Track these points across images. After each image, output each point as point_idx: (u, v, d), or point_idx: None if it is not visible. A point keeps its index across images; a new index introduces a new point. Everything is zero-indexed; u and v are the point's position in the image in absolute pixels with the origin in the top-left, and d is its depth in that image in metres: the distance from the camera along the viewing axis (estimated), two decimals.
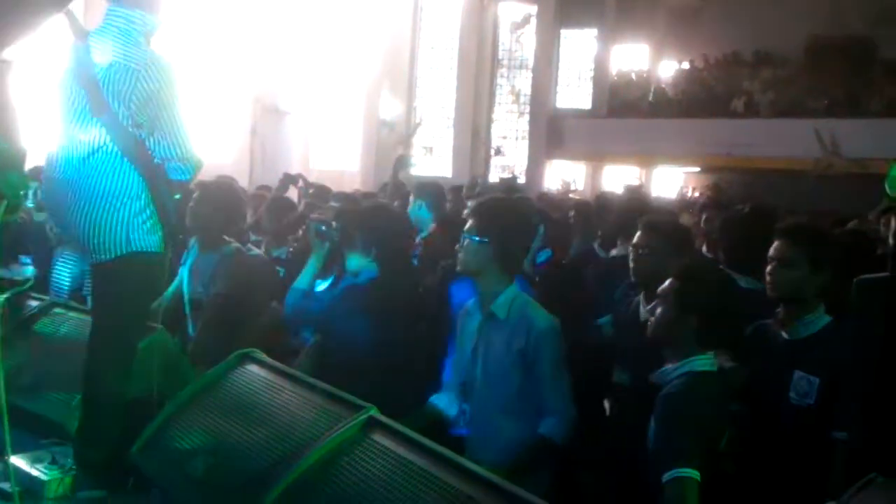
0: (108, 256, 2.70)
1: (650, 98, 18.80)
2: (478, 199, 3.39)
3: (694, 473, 2.25)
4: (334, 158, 16.87)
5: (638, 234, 3.24)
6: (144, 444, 2.73)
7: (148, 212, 2.73)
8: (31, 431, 3.04)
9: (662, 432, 2.41)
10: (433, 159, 17.41)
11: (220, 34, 14.12)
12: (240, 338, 3.67)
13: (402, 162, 7.22)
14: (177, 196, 2.82)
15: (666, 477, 2.27)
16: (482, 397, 2.83)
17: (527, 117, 18.10)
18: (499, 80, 18.43)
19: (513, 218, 2.89)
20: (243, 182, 10.45)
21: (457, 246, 2.96)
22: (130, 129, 2.68)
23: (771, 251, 2.76)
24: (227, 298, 3.97)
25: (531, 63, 18.15)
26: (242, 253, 4.26)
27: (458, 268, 2.87)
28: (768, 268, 2.75)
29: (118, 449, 2.75)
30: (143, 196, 2.72)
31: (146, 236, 2.73)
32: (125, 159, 2.67)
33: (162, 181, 2.75)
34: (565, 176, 17.19)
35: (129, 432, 2.78)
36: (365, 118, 16.89)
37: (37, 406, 3.17)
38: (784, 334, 2.74)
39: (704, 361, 2.47)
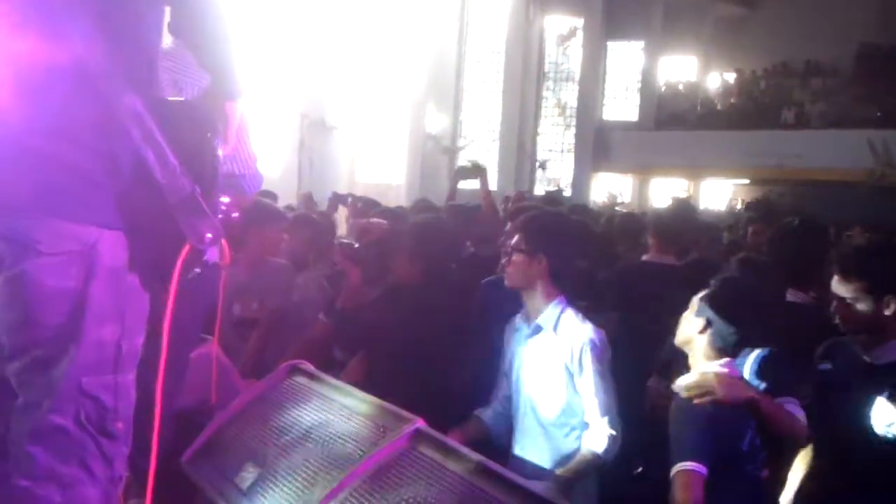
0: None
1: (698, 110, 18.63)
2: (525, 213, 3.39)
3: (699, 468, 2.21)
4: (380, 172, 17.01)
5: None
6: (194, 454, 2.77)
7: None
8: None
9: (673, 429, 2.37)
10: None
11: (269, 50, 14.35)
12: (289, 350, 3.73)
13: (462, 172, 7.21)
14: (234, 214, 2.87)
15: (672, 471, 2.24)
16: (527, 411, 2.83)
17: (573, 130, 18.05)
18: (544, 93, 18.41)
19: (563, 232, 2.90)
20: (290, 196, 10.60)
21: (503, 260, 2.97)
22: None
23: (832, 285, 2.61)
24: (283, 313, 4.05)
25: (577, 75, 18.11)
26: (291, 268, 4.33)
27: (507, 282, 2.87)
28: (833, 305, 2.60)
29: (169, 458, 2.80)
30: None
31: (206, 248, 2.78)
32: None
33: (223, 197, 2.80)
34: (612, 189, 17.08)
35: (180, 442, 2.83)
36: (411, 132, 17.01)
37: None
38: (866, 357, 2.57)
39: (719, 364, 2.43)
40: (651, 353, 3.31)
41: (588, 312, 2.85)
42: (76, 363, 1.55)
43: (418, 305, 3.28)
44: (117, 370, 1.62)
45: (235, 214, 2.98)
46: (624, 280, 4.15)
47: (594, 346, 2.71)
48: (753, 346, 2.56)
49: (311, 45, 15.15)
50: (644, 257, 4.43)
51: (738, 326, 2.38)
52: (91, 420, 1.58)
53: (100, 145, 1.57)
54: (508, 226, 4.12)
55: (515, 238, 2.85)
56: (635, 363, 3.12)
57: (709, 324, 2.40)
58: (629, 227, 5.21)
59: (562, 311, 2.78)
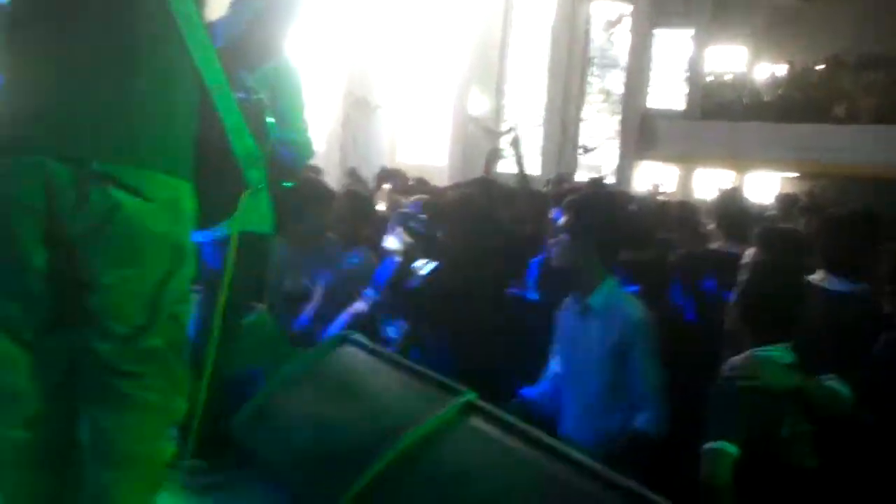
0: (221, 231, 2.80)
1: (745, 100, 18.34)
2: (572, 194, 3.39)
3: (730, 448, 2.20)
4: (422, 153, 17.01)
5: None
6: (247, 419, 2.82)
7: (263, 195, 2.83)
8: None
9: (709, 408, 2.36)
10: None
11: (313, 28, 14.39)
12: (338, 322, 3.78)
13: (494, 155, 7.22)
14: (287, 184, 2.91)
15: (703, 449, 2.24)
16: (576, 390, 2.84)
17: (617, 117, 17.88)
18: (589, 79, 18.24)
19: (608, 211, 2.90)
20: (334, 174, 10.66)
21: (550, 241, 2.97)
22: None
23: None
24: (332, 287, 4.09)
25: (623, 62, 17.91)
26: (340, 243, 4.37)
27: (554, 263, 2.88)
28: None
29: (220, 422, 2.85)
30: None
31: (259, 218, 2.82)
32: None
33: (276, 165, 2.84)
34: (655, 178, 16.92)
35: (231, 407, 2.88)
36: (454, 113, 16.95)
37: None
38: None
39: (772, 350, 2.42)
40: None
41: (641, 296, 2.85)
42: (171, 300, 1.72)
43: (459, 281, 3.30)
44: (188, 299, 1.79)
45: (287, 184, 3.02)
46: (690, 267, 4.12)
47: (644, 327, 2.71)
48: (794, 334, 2.53)
49: (356, 23, 15.15)
50: (713, 245, 4.41)
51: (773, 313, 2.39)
52: (176, 342, 1.75)
53: (188, 97, 1.71)
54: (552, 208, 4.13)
55: (564, 218, 2.86)
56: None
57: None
58: (683, 214, 5.17)
59: (612, 291, 2.78)
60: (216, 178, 1.78)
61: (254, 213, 2.83)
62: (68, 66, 1.65)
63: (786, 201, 6.71)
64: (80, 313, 1.69)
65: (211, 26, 1.90)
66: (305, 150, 2.97)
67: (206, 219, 1.81)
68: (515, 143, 6.21)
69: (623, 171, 16.89)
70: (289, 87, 2.89)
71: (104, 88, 1.65)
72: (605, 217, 2.86)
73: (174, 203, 1.69)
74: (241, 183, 1.79)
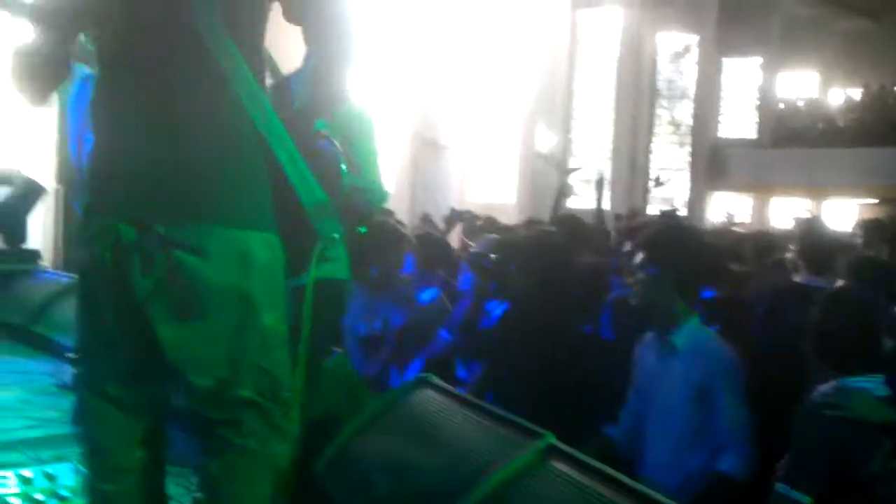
0: (296, 282, 2.87)
1: (819, 126, 17.94)
2: (646, 229, 3.35)
3: (804, 500, 2.14)
4: (491, 192, 17.07)
5: None
6: (327, 462, 2.85)
7: (339, 241, 2.88)
8: None
9: (794, 435, 2.29)
10: (590, 191, 17.28)
11: (381, 70, 14.67)
12: (413, 365, 3.80)
13: (564, 190, 7.21)
14: (362, 229, 2.96)
15: (776, 486, 2.18)
16: (657, 430, 2.80)
17: (687, 148, 17.69)
18: (658, 111, 18.13)
19: (689, 246, 2.86)
20: (402, 215, 10.77)
21: (628, 279, 2.95)
22: None
23: None
24: (405, 330, 4.13)
25: (691, 92, 17.75)
26: (413, 286, 4.42)
27: (633, 301, 2.85)
28: None
29: (303, 465, 2.89)
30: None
31: (335, 264, 2.88)
32: None
33: (351, 210, 2.90)
34: (728, 209, 16.61)
35: (312, 450, 2.92)
36: (521, 150, 17.02)
37: None
38: None
39: (864, 380, 2.33)
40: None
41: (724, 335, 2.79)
42: (254, 349, 1.75)
43: (536, 321, 3.29)
44: (282, 348, 1.81)
45: (362, 229, 3.07)
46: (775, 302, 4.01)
47: (729, 367, 2.66)
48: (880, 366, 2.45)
49: (423, 64, 15.39)
50: (797, 278, 4.30)
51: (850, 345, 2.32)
52: (268, 391, 1.76)
53: (244, 152, 1.74)
54: (626, 244, 4.08)
55: (641, 255, 2.83)
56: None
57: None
58: (759, 245, 5.04)
59: (694, 329, 2.74)
60: (291, 230, 1.80)
61: (331, 259, 2.90)
62: (128, 126, 1.72)
63: (869, 228, 6.49)
64: (165, 368, 1.75)
65: (282, 86, 1.96)
66: (379, 195, 3.02)
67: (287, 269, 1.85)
68: (599, 184, 6.20)
69: (695, 202, 16.65)
70: (361, 133, 2.95)
71: (160, 148, 1.70)
72: (686, 252, 2.82)
73: (241, 255, 1.72)
74: (314, 235, 1.82)
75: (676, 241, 2.86)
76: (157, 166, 1.69)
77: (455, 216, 6.59)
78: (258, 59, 1.80)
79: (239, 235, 1.72)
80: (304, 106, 1.86)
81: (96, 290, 1.74)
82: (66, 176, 7.35)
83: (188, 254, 1.67)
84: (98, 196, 1.75)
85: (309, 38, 1.81)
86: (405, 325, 4.18)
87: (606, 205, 16.36)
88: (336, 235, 1.86)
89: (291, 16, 1.83)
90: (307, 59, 1.83)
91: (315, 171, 1.79)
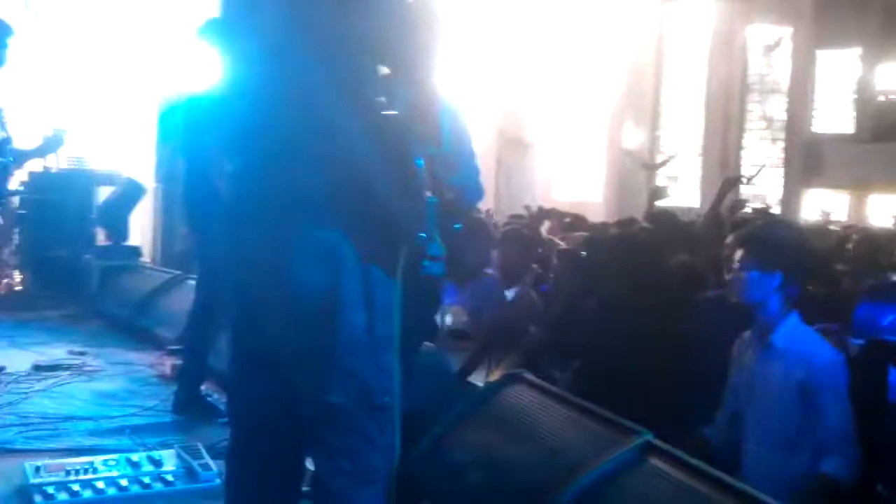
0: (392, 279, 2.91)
1: None
2: (746, 226, 3.27)
3: None
4: (577, 189, 16.92)
5: None
6: (420, 456, 2.89)
7: (436, 238, 2.92)
8: None
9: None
10: (680, 189, 16.95)
11: (466, 68, 14.70)
12: (505, 361, 3.81)
13: (657, 192, 7.10)
14: (457, 225, 2.98)
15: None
16: (757, 431, 2.74)
17: (780, 144, 17.17)
18: (749, 106, 17.65)
19: (796, 245, 2.79)
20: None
21: (728, 276, 2.88)
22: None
23: None
24: (495, 326, 4.15)
25: (784, 86, 17.22)
26: (501, 282, 4.43)
27: (735, 298, 2.78)
28: None
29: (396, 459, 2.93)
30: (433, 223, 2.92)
31: (432, 262, 2.91)
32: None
33: (447, 208, 2.92)
34: (825, 206, 16.07)
35: (407, 443, 2.96)
36: (608, 148, 16.81)
37: None
38: None
39: None
40: None
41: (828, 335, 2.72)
42: (344, 353, 1.78)
43: (628, 320, 3.25)
44: (375, 351, 1.81)
45: (458, 225, 3.09)
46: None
47: (834, 368, 2.58)
48: None
49: (509, 61, 15.35)
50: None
51: None
52: (360, 396, 1.77)
53: (344, 154, 1.77)
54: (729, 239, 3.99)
55: (744, 251, 2.75)
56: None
57: None
58: (864, 245, 4.88)
59: (797, 329, 2.67)
60: (387, 234, 1.85)
61: (426, 256, 2.93)
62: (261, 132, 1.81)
63: None
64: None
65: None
66: (475, 193, 3.03)
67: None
68: (731, 184, 6.06)
69: (789, 200, 16.14)
70: (456, 132, 2.97)
71: (280, 150, 1.77)
72: (793, 252, 2.76)
73: (332, 255, 1.77)
74: (409, 239, 1.87)
75: (784, 240, 2.80)
76: (274, 166, 1.79)
77: (542, 214, 6.58)
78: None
79: (331, 236, 1.76)
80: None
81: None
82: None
83: (292, 254, 1.74)
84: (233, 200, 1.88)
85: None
86: (493, 319, 4.20)
87: (696, 202, 16.06)
88: (424, 236, 1.91)
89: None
90: None
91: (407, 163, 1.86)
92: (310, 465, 2.96)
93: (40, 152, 5.77)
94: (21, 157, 5.32)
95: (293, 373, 1.78)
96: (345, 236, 1.78)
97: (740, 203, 6.92)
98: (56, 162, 8.64)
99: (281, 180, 1.77)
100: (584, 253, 4.06)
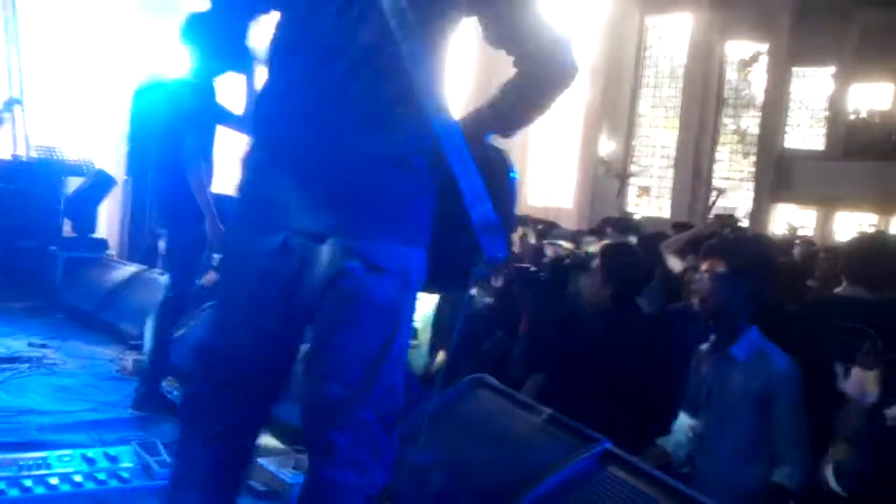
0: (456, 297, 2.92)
1: (893, 139, 17.43)
2: (718, 238, 3.30)
3: None
4: (549, 196, 17.00)
5: None
6: None
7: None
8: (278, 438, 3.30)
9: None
10: (650, 200, 17.09)
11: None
12: (468, 365, 3.81)
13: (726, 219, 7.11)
14: None
15: None
16: (713, 439, 2.76)
17: (752, 158, 17.37)
18: (724, 119, 17.84)
19: (765, 256, 2.82)
20: None
21: (693, 284, 2.90)
22: None
23: None
24: (451, 329, 4.14)
25: (759, 101, 17.42)
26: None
27: (702, 305, 2.79)
28: None
29: None
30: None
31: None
32: None
33: None
34: (792, 221, 16.27)
35: None
36: (581, 156, 16.90)
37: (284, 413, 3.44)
38: None
39: None
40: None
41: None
42: (389, 368, 1.74)
43: (606, 329, 3.27)
44: (401, 369, 1.79)
45: None
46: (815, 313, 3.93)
47: (790, 378, 2.61)
48: None
49: (482, 66, 15.37)
50: (837, 290, 4.19)
51: None
52: (388, 415, 1.75)
53: (421, 166, 1.72)
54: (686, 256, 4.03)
55: (714, 260, 2.77)
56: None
57: None
58: (832, 260, 4.92)
59: (756, 341, 2.69)
60: (452, 248, 1.75)
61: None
62: (316, 133, 1.69)
63: None
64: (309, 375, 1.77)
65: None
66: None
67: (436, 286, 1.86)
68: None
69: (758, 214, 16.32)
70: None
71: (348, 160, 1.68)
72: (764, 265, 2.78)
73: (405, 273, 1.72)
74: (478, 253, 1.69)
75: (752, 250, 2.82)
76: (340, 176, 1.68)
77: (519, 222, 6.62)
78: (443, 71, 1.76)
79: (405, 253, 1.71)
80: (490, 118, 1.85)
81: (266, 301, 1.74)
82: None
83: (361, 264, 1.67)
84: (266, 207, 1.73)
85: (518, 59, 1.80)
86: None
87: (666, 212, 16.19)
88: (502, 255, 1.70)
89: (492, 36, 1.79)
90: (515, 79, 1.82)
91: (486, 182, 1.69)
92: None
93: None
94: None
95: (335, 380, 1.72)
96: (414, 251, 1.74)
97: (721, 218, 6.97)
98: (25, 150, 8.56)
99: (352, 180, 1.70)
100: (532, 269, 4.07)
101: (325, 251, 1.68)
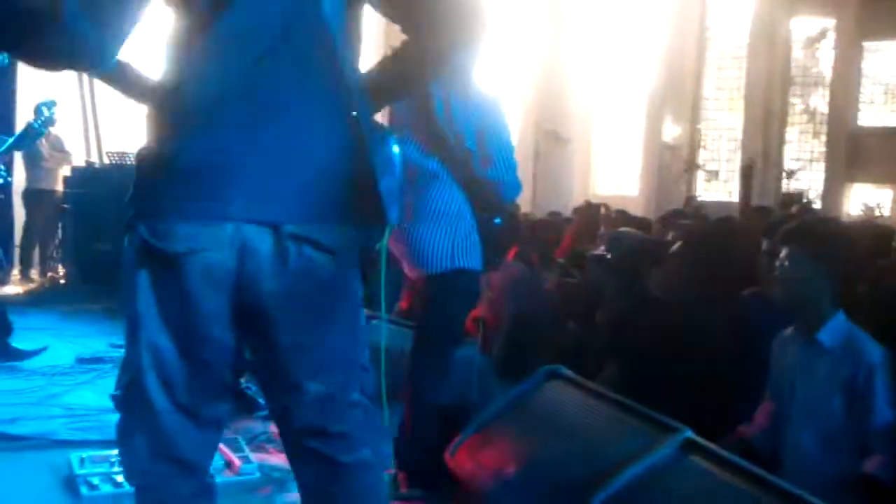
0: (434, 271, 2.93)
1: None
2: (794, 222, 3.22)
3: None
4: (614, 183, 16.81)
5: None
6: (459, 450, 2.89)
7: (473, 233, 2.94)
8: None
9: None
10: (719, 184, 16.76)
11: (502, 59, 14.67)
12: (537, 355, 3.81)
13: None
14: (497, 220, 2.99)
15: None
16: (799, 428, 2.70)
17: (823, 137, 16.89)
18: (791, 99, 17.38)
19: (846, 239, 2.74)
20: (525, 208, 10.77)
21: (774, 272, 2.84)
22: (464, 156, 2.91)
23: None
24: (520, 317, 4.15)
25: (828, 79, 16.93)
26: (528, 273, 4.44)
27: (781, 295, 2.73)
28: None
29: (435, 453, 2.94)
30: (469, 217, 2.93)
31: (469, 255, 2.92)
32: (455, 182, 2.90)
33: (486, 202, 2.94)
34: (868, 201, 15.77)
35: (446, 437, 2.97)
36: (646, 141, 16.67)
37: None
38: None
39: None
40: None
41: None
42: (362, 348, 1.75)
43: (687, 318, 3.22)
44: (366, 344, 1.78)
45: (497, 220, 3.10)
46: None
47: (881, 367, 2.53)
48: None
49: (547, 54, 15.28)
50: None
51: None
52: (369, 389, 1.75)
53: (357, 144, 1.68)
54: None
55: (792, 248, 2.70)
56: None
57: None
58: None
59: (844, 326, 2.62)
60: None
61: (462, 251, 2.94)
62: (261, 113, 1.59)
63: None
64: (276, 379, 1.70)
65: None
66: (513, 187, 3.03)
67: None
68: (747, 173, 6.00)
69: (831, 195, 15.87)
70: (494, 126, 2.97)
71: (300, 144, 1.62)
72: (840, 247, 2.71)
73: (352, 252, 1.69)
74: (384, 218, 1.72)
75: (832, 237, 2.75)
76: (286, 158, 1.60)
77: (588, 208, 6.62)
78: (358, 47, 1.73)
79: (349, 233, 1.68)
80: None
81: (202, 301, 1.61)
82: None
83: (320, 252, 1.62)
84: (199, 194, 1.59)
85: (416, 28, 1.70)
86: (522, 307, 4.20)
87: (734, 197, 15.86)
88: (394, 223, 1.77)
89: (390, 8, 1.72)
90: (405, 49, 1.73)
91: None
92: None
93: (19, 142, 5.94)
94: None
95: (316, 377, 1.67)
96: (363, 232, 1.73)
97: (790, 196, 6.81)
98: (98, 157, 8.82)
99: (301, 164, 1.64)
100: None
101: (275, 240, 1.59)
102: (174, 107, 1.62)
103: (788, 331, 2.79)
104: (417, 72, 1.79)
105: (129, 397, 1.69)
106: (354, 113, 1.66)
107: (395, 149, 1.78)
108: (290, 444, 1.77)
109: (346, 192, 1.66)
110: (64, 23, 1.49)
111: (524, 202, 11.59)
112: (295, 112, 1.61)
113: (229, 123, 1.58)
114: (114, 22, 1.56)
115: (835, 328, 2.62)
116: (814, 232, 2.72)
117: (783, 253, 2.69)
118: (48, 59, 1.63)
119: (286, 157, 1.60)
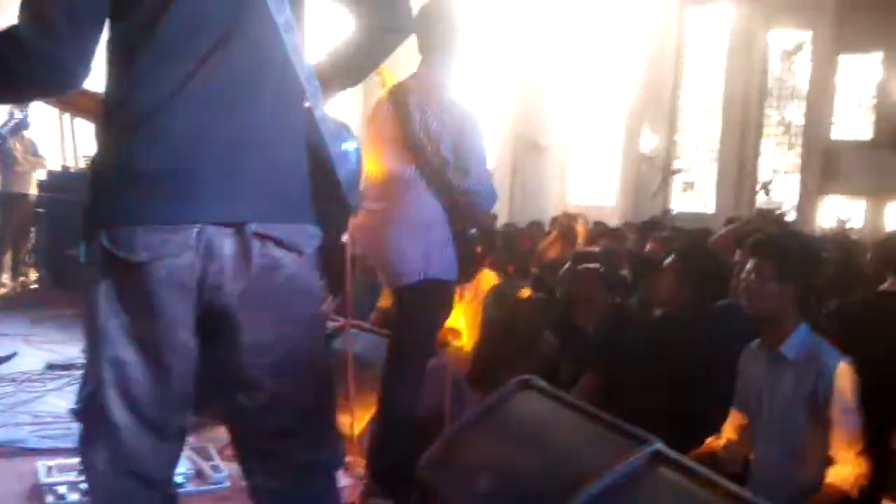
0: (406, 282, 2.92)
1: None
2: (758, 235, 3.25)
3: None
4: (591, 194, 16.89)
5: None
6: (430, 460, 2.88)
7: (449, 242, 2.94)
8: None
9: None
10: (694, 195, 16.88)
11: (479, 68, 14.71)
12: (511, 365, 3.80)
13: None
14: (472, 231, 2.99)
15: None
16: (766, 441, 2.72)
17: (798, 150, 17.07)
18: (767, 111, 17.55)
19: (810, 254, 2.77)
20: (502, 217, 10.78)
21: (741, 286, 2.86)
22: (439, 165, 2.91)
23: None
24: (496, 327, 4.15)
25: (803, 91, 17.12)
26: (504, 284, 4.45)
27: (749, 310, 2.75)
28: None
29: (407, 462, 2.93)
30: (445, 226, 2.93)
31: (442, 265, 2.92)
32: (431, 191, 2.90)
33: (461, 213, 2.94)
34: (841, 213, 15.95)
35: (417, 447, 2.96)
36: (624, 152, 16.77)
37: None
38: None
39: None
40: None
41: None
42: (317, 345, 1.76)
43: (677, 331, 3.24)
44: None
45: (473, 231, 3.10)
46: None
47: (843, 376, 2.56)
48: None
49: (524, 64, 15.34)
50: (882, 287, 4.11)
51: None
52: (321, 389, 1.76)
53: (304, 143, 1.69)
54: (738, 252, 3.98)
55: (759, 260, 2.73)
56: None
57: None
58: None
59: (807, 339, 2.64)
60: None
61: (437, 261, 2.94)
62: (215, 112, 1.55)
63: None
64: (234, 378, 1.67)
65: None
66: (488, 198, 3.04)
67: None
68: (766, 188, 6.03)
69: (805, 206, 16.03)
70: (470, 135, 2.98)
71: (259, 140, 1.59)
72: (808, 261, 2.73)
73: (314, 250, 1.69)
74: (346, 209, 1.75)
75: (800, 250, 2.77)
76: (252, 158, 1.58)
77: (571, 220, 6.67)
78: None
79: (314, 232, 1.69)
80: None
81: (167, 308, 1.57)
82: None
83: (284, 251, 1.61)
84: (164, 197, 1.54)
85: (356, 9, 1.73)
86: (497, 318, 4.21)
87: (711, 208, 15.98)
88: (356, 207, 1.77)
89: None
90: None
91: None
92: None
93: None
94: None
95: (278, 378, 1.67)
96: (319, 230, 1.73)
97: (765, 213, 6.87)
98: (74, 161, 8.74)
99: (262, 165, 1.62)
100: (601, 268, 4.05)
101: (238, 240, 1.56)
102: (126, 115, 1.57)
103: (755, 343, 2.81)
104: (359, 56, 1.79)
105: (89, 411, 1.67)
106: (308, 104, 1.65)
107: (353, 144, 1.77)
108: (246, 446, 1.75)
109: (306, 184, 1.66)
110: (28, 47, 1.48)
111: (501, 213, 11.61)
112: (249, 107, 1.58)
113: (184, 125, 1.54)
114: (79, 40, 1.53)
115: (798, 341, 2.64)
116: (780, 246, 2.74)
117: (749, 265, 2.71)
118: (17, 87, 1.61)
119: (244, 153, 1.56)
